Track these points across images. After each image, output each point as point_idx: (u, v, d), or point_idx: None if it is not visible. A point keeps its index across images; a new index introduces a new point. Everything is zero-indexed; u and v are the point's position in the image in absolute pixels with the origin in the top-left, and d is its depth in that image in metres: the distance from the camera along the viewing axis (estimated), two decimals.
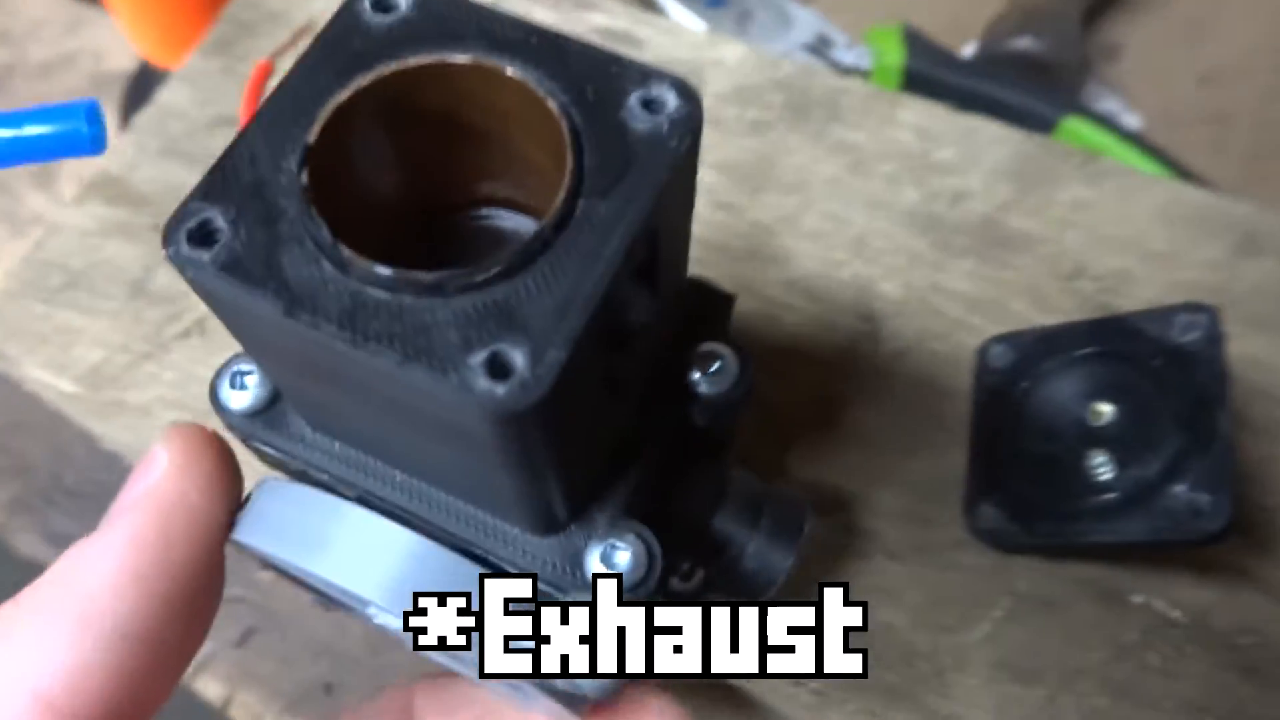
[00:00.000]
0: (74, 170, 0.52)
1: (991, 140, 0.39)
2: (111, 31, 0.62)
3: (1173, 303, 0.34)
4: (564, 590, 0.23)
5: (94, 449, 0.43)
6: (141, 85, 0.62)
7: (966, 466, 0.32)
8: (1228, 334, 0.30)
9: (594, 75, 0.19)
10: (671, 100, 0.19)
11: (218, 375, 0.24)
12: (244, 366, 0.24)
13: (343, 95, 0.19)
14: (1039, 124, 0.52)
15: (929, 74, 0.53)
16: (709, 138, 0.38)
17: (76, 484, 0.44)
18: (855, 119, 0.40)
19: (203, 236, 0.18)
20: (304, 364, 0.20)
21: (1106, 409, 0.30)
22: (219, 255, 0.17)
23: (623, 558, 0.22)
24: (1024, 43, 0.53)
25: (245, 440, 0.25)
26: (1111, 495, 0.28)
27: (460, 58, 0.19)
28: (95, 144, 0.25)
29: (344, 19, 0.20)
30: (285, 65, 0.41)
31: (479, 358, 0.16)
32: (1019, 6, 0.54)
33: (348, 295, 0.17)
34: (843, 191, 0.38)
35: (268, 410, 0.24)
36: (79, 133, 0.25)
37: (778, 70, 0.41)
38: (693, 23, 0.57)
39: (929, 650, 0.30)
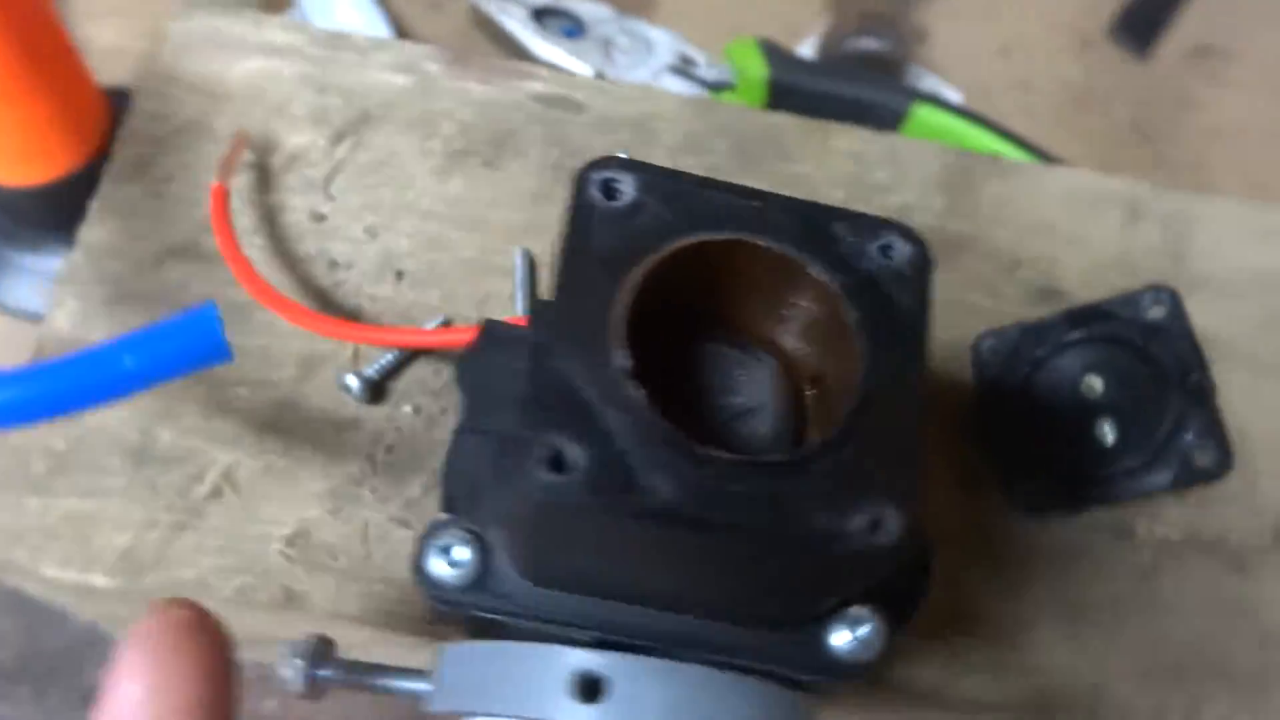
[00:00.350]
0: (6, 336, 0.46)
1: (914, 156, 0.44)
2: None
3: (1104, 277, 0.41)
4: (804, 672, 0.25)
5: (17, 624, 0.40)
6: None
7: (994, 448, 0.37)
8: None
9: (826, 228, 0.22)
10: (901, 245, 0.22)
11: (422, 552, 0.25)
12: (446, 539, 0.25)
13: (627, 307, 0.20)
14: (892, 115, 0.58)
15: (790, 82, 0.58)
16: None
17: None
18: (798, 153, 0.44)
19: (558, 464, 0.18)
20: (625, 555, 0.21)
21: (1098, 383, 0.36)
22: (581, 480, 0.18)
23: (864, 629, 0.25)
24: (865, 43, 0.59)
25: (452, 610, 0.25)
26: (1133, 456, 0.34)
27: (719, 236, 0.21)
28: (226, 350, 0.24)
29: (580, 213, 0.21)
30: (237, 184, 0.39)
31: (857, 523, 0.19)
32: (854, 10, 0.59)
33: (707, 492, 0.19)
34: None
35: (480, 578, 0.25)
36: (213, 341, 0.24)
37: (714, 115, 0.44)
38: (558, 56, 0.58)
39: (995, 616, 0.36)
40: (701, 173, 0.42)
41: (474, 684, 0.25)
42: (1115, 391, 0.36)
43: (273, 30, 0.43)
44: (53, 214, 0.46)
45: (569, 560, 0.23)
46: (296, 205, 0.40)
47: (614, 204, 0.21)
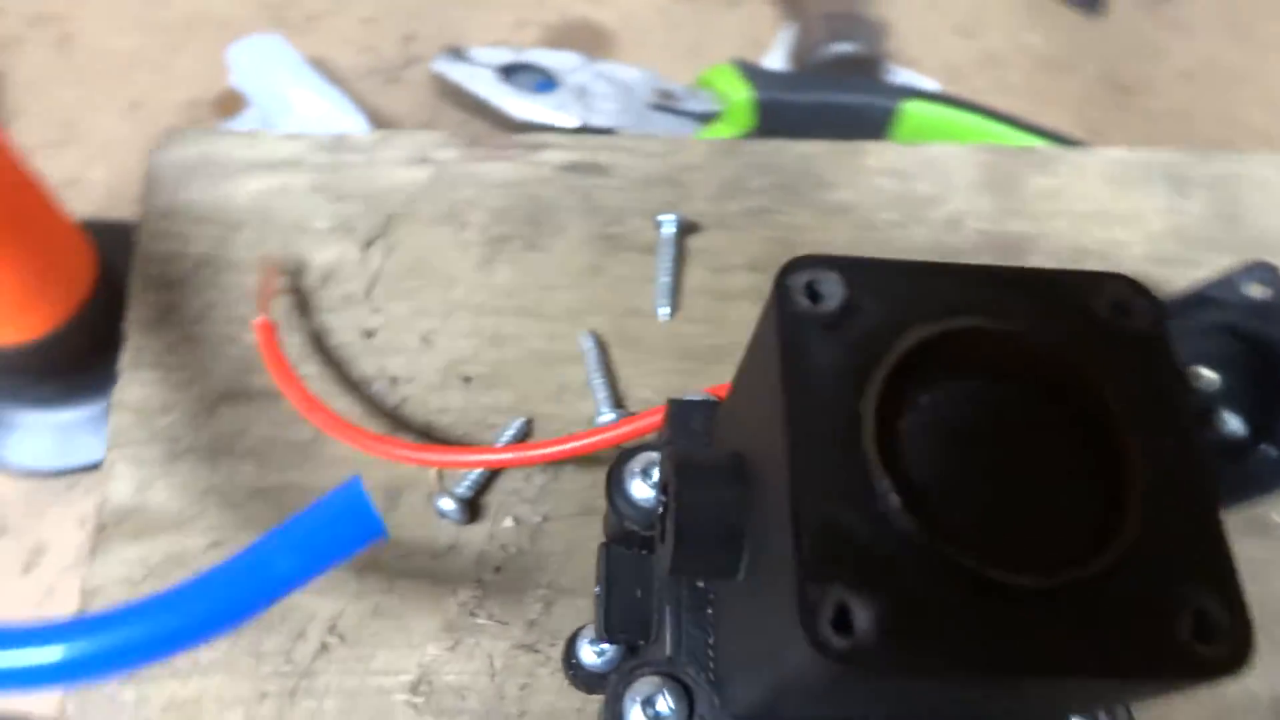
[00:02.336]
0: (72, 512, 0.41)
1: (950, 162, 0.43)
2: None
3: (1165, 249, 0.41)
4: None
5: None
6: None
7: None
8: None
9: (1051, 296, 0.20)
10: (1136, 301, 0.20)
11: (619, 706, 0.23)
12: (647, 689, 0.23)
13: (875, 424, 0.18)
14: (882, 116, 0.57)
15: (776, 99, 0.56)
16: (728, 240, 0.38)
17: None
18: (836, 178, 0.42)
19: (843, 623, 0.16)
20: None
21: (1211, 374, 0.35)
22: (873, 641, 0.16)
23: None
24: (837, 47, 0.57)
25: None
26: (1268, 445, 0.33)
27: (952, 325, 0.19)
28: (381, 527, 0.22)
29: (789, 325, 0.19)
30: (281, 314, 0.36)
31: (1186, 626, 0.17)
32: (822, 17, 0.58)
33: (1014, 623, 0.17)
34: (865, 248, 0.40)
35: None
36: (367, 521, 0.21)
37: (742, 154, 0.43)
38: (537, 113, 0.55)
39: None
40: (751, 215, 0.41)
41: None
42: (1232, 380, 0.35)
43: (269, 144, 0.40)
44: (52, 367, 0.43)
45: (812, 708, 0.21)
46: (342, 325, 0.37)
47: (822, 308, 0.19)
